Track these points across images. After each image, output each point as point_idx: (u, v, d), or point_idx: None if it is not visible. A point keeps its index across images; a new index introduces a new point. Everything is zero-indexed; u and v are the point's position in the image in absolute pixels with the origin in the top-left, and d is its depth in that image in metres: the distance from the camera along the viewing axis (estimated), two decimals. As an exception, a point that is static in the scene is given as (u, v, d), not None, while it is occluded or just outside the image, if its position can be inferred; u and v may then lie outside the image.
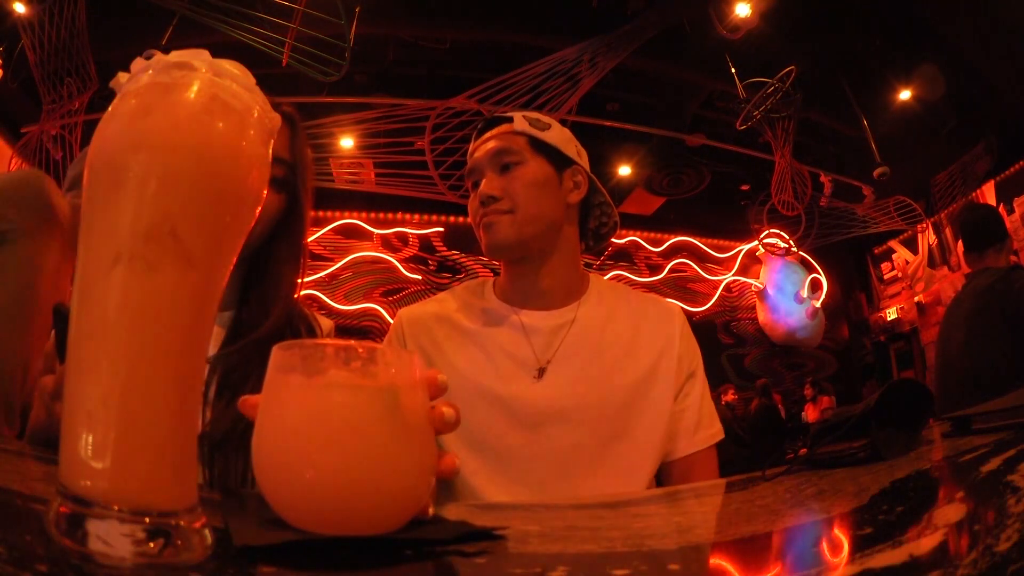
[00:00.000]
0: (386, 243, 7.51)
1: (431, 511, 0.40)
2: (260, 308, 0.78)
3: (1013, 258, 2.03)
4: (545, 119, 0.97)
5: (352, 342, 0.38)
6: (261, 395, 0.38)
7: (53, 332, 0.73)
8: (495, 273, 1.02)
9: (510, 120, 0.95)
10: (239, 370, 0.74)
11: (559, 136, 0.96)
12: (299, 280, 0.83)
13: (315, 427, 0.34)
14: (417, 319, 0.96)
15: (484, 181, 0.92)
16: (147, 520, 0.26)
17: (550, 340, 0.91)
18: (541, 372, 0.89)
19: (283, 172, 0.80)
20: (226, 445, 0.71)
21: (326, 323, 0.90)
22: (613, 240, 7.96)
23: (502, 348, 0.91)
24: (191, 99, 0.31)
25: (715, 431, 0.94)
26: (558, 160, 0.94)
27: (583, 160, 0.98)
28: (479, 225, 0.92)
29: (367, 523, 0.34)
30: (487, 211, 0.90)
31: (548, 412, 0.86)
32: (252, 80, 0.34)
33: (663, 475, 0.93)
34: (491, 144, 0.93)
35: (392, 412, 0.36)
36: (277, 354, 0.38)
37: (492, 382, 0.88)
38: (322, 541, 0.32)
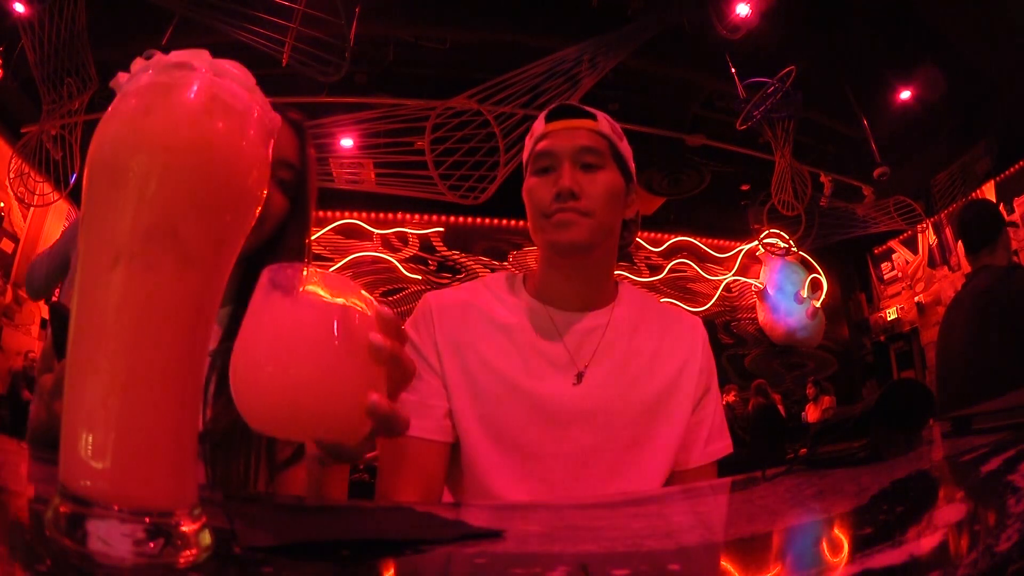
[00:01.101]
0: (386, 243, 7.51)
1: (370, 438, 0.46)
2: None
3: (1015, 258, 2.02)
4: (619, 128, 0.95)
5: (315, 268, 0.43)
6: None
7: (50, 330, 0.74)
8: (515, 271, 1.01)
9: (594, 116, 0.92)
10: None
11: (627, 149, 0.95)
12: None
13: (273, 339, 0.40)
14: (448, 306, 0.93)
15: (565, 173, 0.87)
16: (147, 520, 0.26)
17: (585, 342, 0.91)
18: (580, 377, 0.88)
19: (290, 176, 0.81)
20: (228, 443, 0.71)
21: None
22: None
23: (535, 346, 0.89)
24: (191, 99, 0.31)
25: (725, 444, 0.95)
26: (627, 173, 0.94)
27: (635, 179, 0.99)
28: (548, 216, 0.88)
29: (307, 425, 0.41)
30: (565, 207, 0.86)
31: (577, 413, 0.86)
32: (252, 80, 0.34)
33: (670, 484, 0.93)
34: (578, 136, 0.89)
35: (333, 330, 0.41)
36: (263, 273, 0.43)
37: (524, 379, 0.87)
38: (324, 542, 0.32)
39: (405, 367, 0.47)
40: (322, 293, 0.41)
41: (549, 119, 0.93)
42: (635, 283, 7.60)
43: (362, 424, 0.42)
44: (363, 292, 0.44)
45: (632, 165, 0.96)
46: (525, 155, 0.97)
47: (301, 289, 0.41)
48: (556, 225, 0.87)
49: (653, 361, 0.92)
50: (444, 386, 0.87)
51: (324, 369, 0.39)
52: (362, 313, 0.42)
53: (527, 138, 0.98)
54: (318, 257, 6.96)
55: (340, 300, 0.41)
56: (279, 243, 0.82)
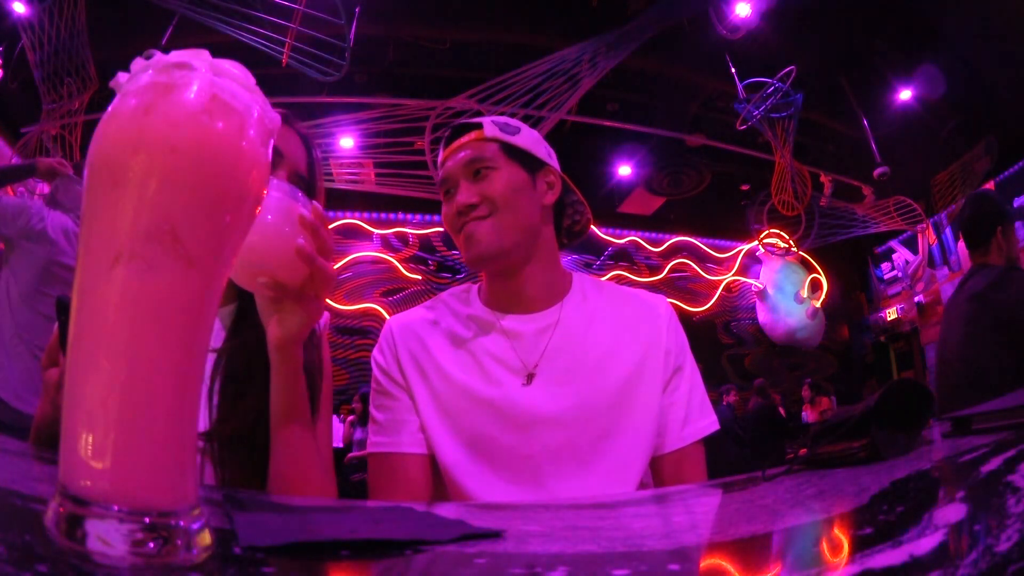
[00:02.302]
0: (386, 243, 7.52)
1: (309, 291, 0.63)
2: None
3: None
4: (514, 123, 0.96)
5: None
6: None
7: (57, 325, 0.74)
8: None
9: (479, 127, 0.94)
10: (244, 365, 0.74)
11: (529, 139, 0.95)
12: None
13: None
14: (406, 326, 0.97)
15: (459, 190, 0.91)
16: (147, 520, 0.26)
17: (534, 344, 0.91)
18: (530, 378, 0.89)
19: (301, 186, 0.81)
20: (237, 443, 0.71)
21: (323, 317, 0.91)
22: (613, 240, 7.96)
23: (489, 353, 0.91)
24: (191, 99, 0.31)
25: (707, 423, 0.93)
26: (530, 164, 0.94)
27: (554, 160, 0.98)
28: (458, 234, 0.92)
29: (252, 266, 0.58)
30: (466, 219, 0.90)
31: (538, 415, 0.87)
32: (252, 80, 0.34)
33: (652, 470, 0.92)
34: (463, 152, 0.93)
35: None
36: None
37: (481, 386, 0.89)
38: (325, 542, 0.32)
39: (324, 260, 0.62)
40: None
41: (445, 145, 0.97)
42: (635, 283, 7.61)
43: (296, 265, 0.60)
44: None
45: (538, 151, 0.95)
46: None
47: None
48: (464, 241, 0.90)
49: (613, 351, 0.91)
50: (412, 400, 0.91)
51: (264, 226, 0.52)
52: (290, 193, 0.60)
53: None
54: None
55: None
56: None
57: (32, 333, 2.15)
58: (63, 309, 0.70)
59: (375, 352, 0.97)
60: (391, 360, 0.94)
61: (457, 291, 1.02)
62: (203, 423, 0.71)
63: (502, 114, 4.66)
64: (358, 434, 5.60)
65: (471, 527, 0.38)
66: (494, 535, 0.38)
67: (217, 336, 0.77)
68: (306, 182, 0.83)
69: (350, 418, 5.73)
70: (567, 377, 0.89)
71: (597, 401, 0.88)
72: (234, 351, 0.75)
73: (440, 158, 0.97)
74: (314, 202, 0.62)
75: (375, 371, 0.95)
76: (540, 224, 0.94)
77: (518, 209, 0.90)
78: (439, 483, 0.90)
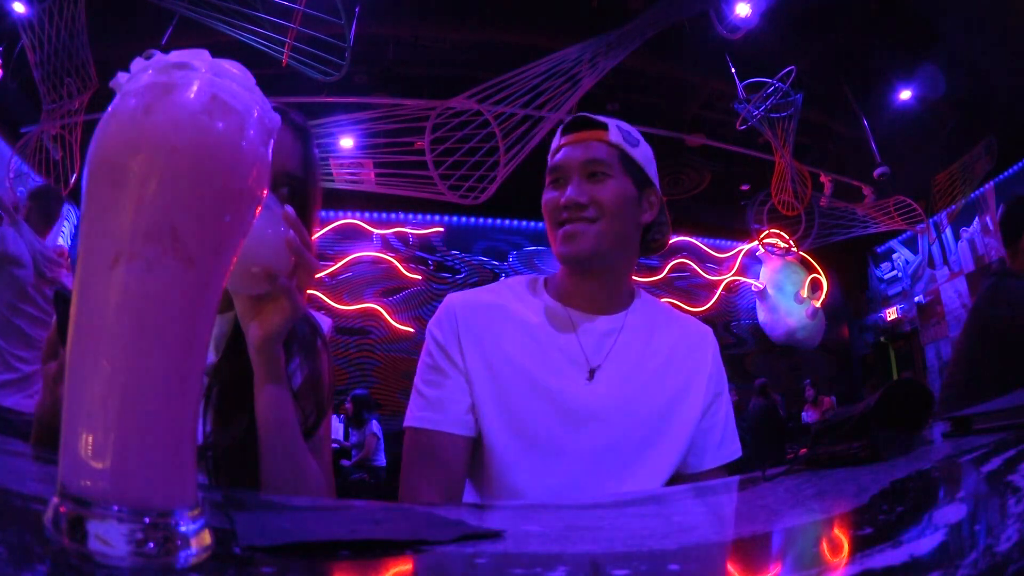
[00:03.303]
0: (386, 243, 7.51)
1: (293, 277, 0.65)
2: None
3: None
4: (636, 135, 0.97)
5: None
6: None
7: (55, 317, 0.74)
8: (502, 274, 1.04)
9: (604, 127, 0.95)
10: (238, 380, 0.73)
11: (644, 155, 0.97)
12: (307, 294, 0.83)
13: None
14: (471, 305, 0.96)
15: (571, 185, 0.91)
16: (147, 520, 0.26)
17: (600, 343, 0.94)
18: (592, 372, 0.91)
19: (294, 184, 0.80)
20: (232, 455, 0.71)
21: (325, 321, 0.90)
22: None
23: (553, 344, 0.92)
24: (191, 99, 0.31)
25: (735, 448, 0.98)
26: (641, 179, 0.96)
27: (657, 181, 1.00)
28: (557, 227, 0.92)
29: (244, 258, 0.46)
30: (572, 217, 0.91)
31: (594, 411, 0.89)
32: (252, 80, 0.34)
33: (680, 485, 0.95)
34: (584, 149, 0.93)
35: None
36: None
37: (545, 377, 0.90)
38: (325, 542, 0.32)
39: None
40: None
41: (563, 132, 0.97)
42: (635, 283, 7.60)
43: (285, 256, 0.63)
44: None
45: (649, 169, 0.97)
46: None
47: None
48: (564, 237, 0.91)
49: (665, 366, 0.95)
50: (467, 382, 0.90)
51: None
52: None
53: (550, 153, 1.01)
54: (319, 257, 6.95)
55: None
56: None
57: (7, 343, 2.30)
58: (61, 301, 0.70)
59: (432, 325, 0.95)
60: (451, 337, 0.93)
61: (522, 280, 1.03)
62: (198, 436, 0.71)
63: (502, 114, 4.66)
64: (353, 437, 5.60)
65: (471, 527, 0.39)
66: (494, 535, 0.38)
67: (214, 351, 0.77)
68: (300, 179, 0.81)
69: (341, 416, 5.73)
70: (623, 380, 0.91)
71: (649, 407, 0.91)
72: (228, 367, 0.74)
73: (556, 143, 0.97)
74: (286, 206, 0.65)
75: (430, 344, 0.94)
76: (635, 239, 0.97)
77: (621, 221, 0.92)
78: (473, 469, 0.91)
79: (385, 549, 0.33)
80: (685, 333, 1.01)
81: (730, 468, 0.96)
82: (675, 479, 0.94)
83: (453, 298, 0.98)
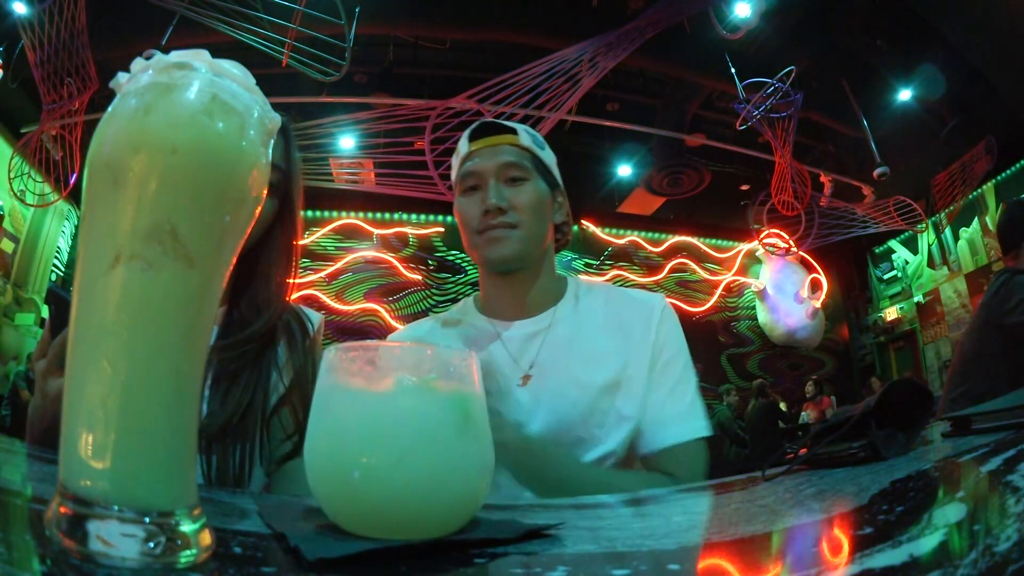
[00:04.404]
0: (386, 243, 7.51)
1: None
2: (252, 307, 0.80)
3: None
4: (540, 138, 0.99)
5: (414, 344, 0.40)
6: (314, 399, 0.38)
7: (48, 316, 0.75)
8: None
9: (514, 131, 0.95)
10: (232, 365, 0.76)
11: (551, 157, 1.00)
12: (290, 281, 0.85)
13: (388, 434, 0.35)
14: (413, 339, 1.01)
15: (491, 191, 0.92)
16: (147, 520, 0.26)
17: (527, 347, 0.94)
18: (525, 380, 0.91)
19: (276, 178, 0.83)
20: (223, 438, 0.73)
21: (315, 317, 0.91)
22: (613, 240, 7.96)
23: (486, 363, 0.92)
24: (191, 99, 0.31)
25: (695, 427, 0.89)
26: (551, 181, 0.98)
27: (561, 182, 1.02)
28: (479, 233, 0.92)
29: (432, 527, 0.35)
30: (493, 224, 0.91)
31: (529, 413, 0.89)
32: (252, 80, 0.34)
33: (648, 467, 0.91)
34: (499, 154, 0.94)
35: (466, 418, 0.37)
36: (336, 356, 0.38)
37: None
38: (392, 549, 0.32)
39: None
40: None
41: (471, 138, 0.97)
42: (635, 283, 7.61)
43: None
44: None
45: (556, 172, 1.00)
46: (453, 175, 1.01)
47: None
48: (487, 242, 0.92)
49: (604, 351, 0.92)
50: None
51: (461, 464, 0.36)
52: (476, 386, 0.39)
53: (453, 157, 1.02)
54: (319, 257, 6.96)
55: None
56: (268, 244, 0.84)
57: None
58: (54, 300, 0.70)
59: None
60: None
61: (456, 307, 1.07)
62: None
63: (502, 114, 4.66)
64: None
65: (529, 524, 0.38)
66: (554, 527, 0.38)
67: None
68: (283, 173, 0.83)
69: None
70: (557, 378, 0.91)
71: (583, 399, 0.89)
72: (223, 350, 0.76)
73: (465, 149, 0.97)
74: None
75: None
76: (550, 239, 0.99)
77: (540, 224, 0.94)
78: None
79: (450, 551, 0.33)
80: (627, 308, 0.97)
81: (731, 468, 0.94)
82: (641, 463, 0.90)
83: (391, 339, 1.04)
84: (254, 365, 0.79)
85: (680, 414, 0.89)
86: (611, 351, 0.92)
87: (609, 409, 0.89)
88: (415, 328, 1.05)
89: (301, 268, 0.88)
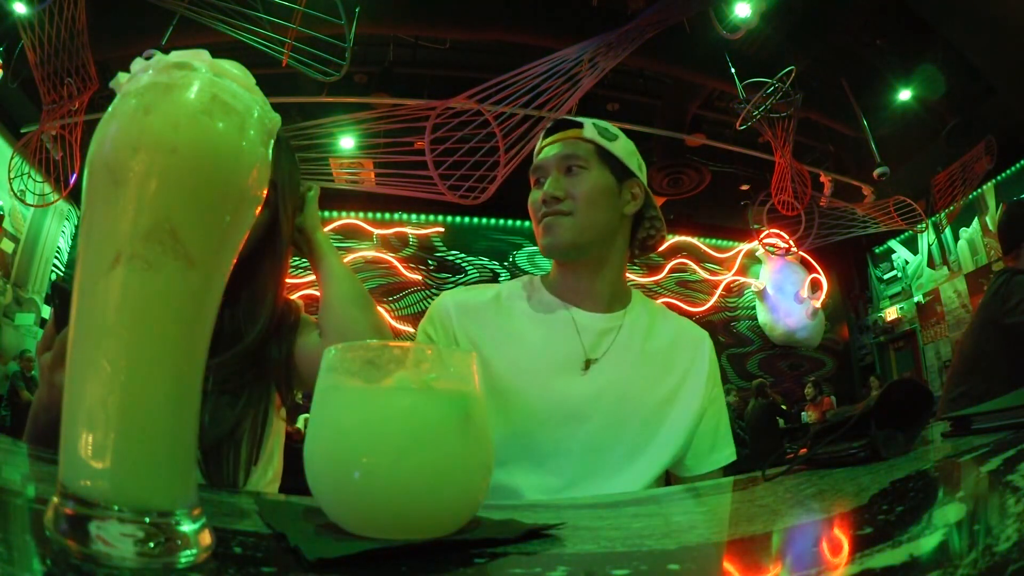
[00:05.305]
0: (386, 243, 7.51)
1: None
2: (248, 319, 0.81)
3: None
4: (613, 129, 1.00)
5: (412, 344, 0.39)
6: (314, 399, 0.38)
7: (53, 308, 0.75)
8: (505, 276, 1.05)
9: (580, 126, 0.98)
10: (230, 380, 0.77)
11: (623, 148, 0.99)
12: (281, 292, 0.86)
13: (388, 433, 0.35)
14: (466, 305, 0.97)
15: (549, 180, 0.95)
16: (147, 520, 0.26)
17: (600, 340, 0.94)
18: (587, 365, 0.92)
19: (267, 190, 0.82)
20: (220, 446, 0.75)
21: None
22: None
23: (553, 340, 0.94)
24: (191, 99, 0.31)
25: (729, 453, 0.97)
26: (620, 171, 0.98)
27: (642, 173, 1.01)
28: (539, 222, 0.96)
29: (432, 527, 0.35)
30: (548, 211, 0.94)
31: (590, 407, 0.89)
32: (252, 80, 0.34)
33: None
34: (559, 147, 0.97)
35: (466, 418, 0.37)
36: (334, 355, 0.38)
37: (541, 373, 0.91)
38: (393, 549, 0.31)
39: None
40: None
41: (544, 137, 1.01)
42: (635, 283, 7.61)
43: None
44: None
45: (630, 162, 0.99)
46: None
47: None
48: (543, 229, 0.94)
49: (665, 364, 0.96)
50: None
51: (461, 464, 0.36)
52: (475, 384, 0.39)
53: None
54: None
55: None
56: (261, 255, 0.84)
57: None
58: (59, 293, 0.70)
59: (425, 324, 0.98)
60: (445, 336, 0.95)
61: (516, 281, 1.05)
62: None
63: (502, 114, 4.66)
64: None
65: (529, 524, 0.38)
66: (554, 527, 0.38)
67: None
68: (272, 184, 0.84)
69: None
70: (624, 377, 0.92)
71: (646, 405, 0.92)
72: (219, 367, 0.77)
73: (538, 147, 1.01)
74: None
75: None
76: (618, 230, 0.98)
77: (599, 211, 0.95)
78: None
79: (450, 551, 0.33)
80: (682, 334, 1.02)
81: (731, 468, 0.96)
82: (671, 481, 0.95)
83: (447, 297, 0.99)
84: (251, 373, 0.80)
85: (719, 444, 0.97)
86: (672, 365, 0.96)
87: (663, 421, 0.92)
88: (478, 292, 1.01)
89: (301, 268, 0.89)
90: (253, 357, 0.80)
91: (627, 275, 1.03)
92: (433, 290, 7.38)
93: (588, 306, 0.97)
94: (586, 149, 0.96)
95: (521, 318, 0.96)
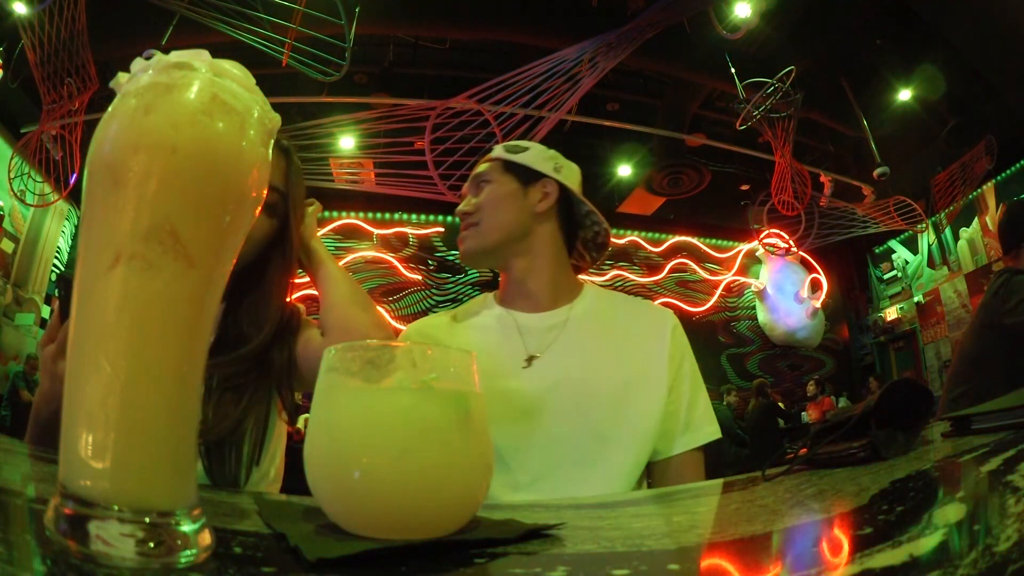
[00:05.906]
0: (386, 243, 7.51)
1: None
2: (253, 324, 0.82)
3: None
4: (524, 143, 1.07)
5: (412, 344, 0.39)
6: (314, 399, 0.38)
7: (57, 301, 0.76)
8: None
9: (491, 151, 1.07)
10: (234, 378, 0.78)
11: (533, 156, 1.04)
12: (287, 299, 0.88)
13: (388, 433, 0.35)
14: (423, 331, 1.04)
15: (463, 202, 1.04)
16: (147, 520, 0.26)
17: (543, 337, 0.97)
18: (530, 360, 0.94)
19: (276, 199, 0.85)
20: (221, 446, 0.75)
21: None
22: (613, 240, 7.98)
23: (494, 344, 0.97)
24: (191, 99, 0.31)
25: (707, 432, 0.96)
26: (526, 176, 1.03)
27: (563, 174, 1.05)
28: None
29: (432, 527, 0.35)
30: (463, 226, 1.02)
31: (540, 401, 0.90)
32: (252, 80, 0.34)
33: (652, 474, 0.95)
34: (474, 174, 1.05)
35: (466, 418, 0.37)
36: (334, 355, 0.38)
37: (482, 376, 0.90)
38: (393, 549, 0.31)
39: None
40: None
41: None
42: (635, 283, 7.61)
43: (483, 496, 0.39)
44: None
45: (539, 166, 1.03)
46: None
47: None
48: (459, 243, 1.02)
49: (619, 353, 0.96)
50: None
51: (461, 463, 0.36)
52: (475, 385, 0.39)
53: None
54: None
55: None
56: (268, 263, 0.85)
57: None
58: (63, 285, 0.71)
59: None
60: None
61: (477, 299, 1.12)
62: None
63: (502, 114, 4.66)
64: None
65: (529, 524, 0.38)
66: (554, 527, 0.38)
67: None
68: (282, 195, 0.86)
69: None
70: (570, 369, 0.92)
71: (599, 396, 0.91)
72: (220, 367, 0.77)
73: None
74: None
75: None
76: (530, 228, 1.02)
77: (503, 213, 1.00)
78: None
79: (450, 551, 0.33)
80: (641, 317, 1.02)
81: (731, 468, 0.95)
82: (650, 468, 0.94)
83: (409, 329, 1.08)
84: (255, 376, 0.80)
85: (693, 423, 0.95)
86: (627, 354, 0.96)
87: (628, 406, 0.91)
88: (436, 318, 1.09)
89: (300, 268, 0.90)
90: (256, 360, 0.81)
91: (572, 272, 1.06)
92: (433, 290, 7.38)
93: (528, 306, 1.01)
94: (491, 166, 1.03)
95: (468, 331, 1.02)
